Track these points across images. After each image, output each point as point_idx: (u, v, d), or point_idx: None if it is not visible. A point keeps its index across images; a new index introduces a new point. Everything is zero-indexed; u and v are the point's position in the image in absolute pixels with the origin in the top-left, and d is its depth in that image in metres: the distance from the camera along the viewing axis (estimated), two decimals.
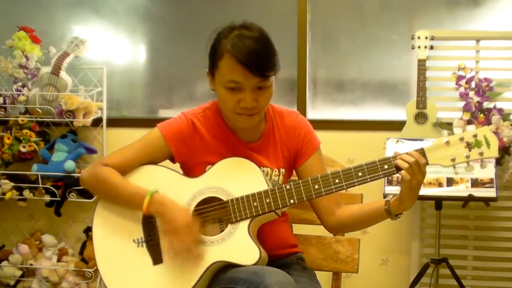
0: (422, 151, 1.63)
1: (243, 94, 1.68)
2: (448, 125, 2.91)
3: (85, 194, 3.19)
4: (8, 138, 3.19)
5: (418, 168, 1.61)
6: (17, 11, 3.51)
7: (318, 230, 1.96)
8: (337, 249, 2.02)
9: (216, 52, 1.69)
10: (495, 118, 2.81)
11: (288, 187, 1.70)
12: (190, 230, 1.65)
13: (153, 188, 1.72)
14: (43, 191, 3.22)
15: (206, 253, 1.68)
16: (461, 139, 1.62)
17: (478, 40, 3.02)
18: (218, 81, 1.71)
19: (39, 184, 3.21)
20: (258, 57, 1.65)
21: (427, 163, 1.62)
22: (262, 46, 1.67)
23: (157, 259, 1.72)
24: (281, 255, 1.86)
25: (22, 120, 3.19)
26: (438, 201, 2.77)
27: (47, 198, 3.24)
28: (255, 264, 1.63)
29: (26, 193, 3.25)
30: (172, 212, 1.67)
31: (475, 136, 1.61)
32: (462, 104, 2.94)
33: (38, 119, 3.21)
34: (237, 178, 1.73)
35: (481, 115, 2.85)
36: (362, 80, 3.28)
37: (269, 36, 1.70)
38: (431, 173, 2.58)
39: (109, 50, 3.49)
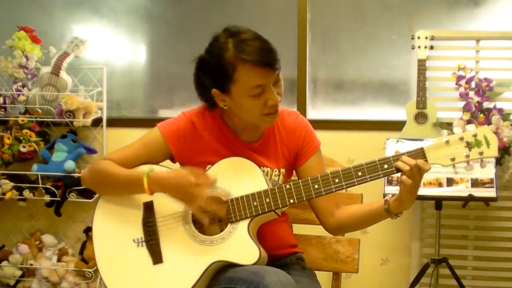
0: (421, 151, 1.63)
1: (268, 93, 1.67)
2: (448, 125, 2.91)
3: (85, 194, 3.19)
4: (8, 138, 3.19)
5: (418, 171, 1.61)
6: (17, 11, 3.51)
7: (318, 230, 1.96)
8: (337, 249, 2.02)
9: (224, 67, 1.66)
10: (495, 118, 2.81)
11: (287, 186, 1.70)
12: (201, 183, 1.65)
13: (146, 169, 1.72)
14: (43, 191, 3.22)
15: (206, 252, 1.68)
16: (461, 138, 1.62)
17: (478, 40, 3.02)
18: (239, 93, 1.67)
19: (39, 184, 3.21)
20: (269, 52, 1.66)
21: (428, 165, 1.62)
22: (265, 41, 1.68)
23: (157, 259, 1.72)
24: (281, 255, 1.86)
25: (22, 120, 3.19)
26: (438, 201, 2.77)
27: (47, 198, 3.24)
28: (254, 263, 1.64)
29: (26, 193, 3.25)
30: (174, 180, 1.67)
31: (475, 135, 1.61)
32: (462, 104, 2.94)
33: (38, 119, 3.21)
34: (237, 177, 1.73)
35: (481, 115, 2.85)
36: (362, 80, 3.28)
37: None
38: (431, 173, 2.57)
39: (109, 50, 3.49)
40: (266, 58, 1.64)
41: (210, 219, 1.67)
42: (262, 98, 1.67)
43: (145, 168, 1.74)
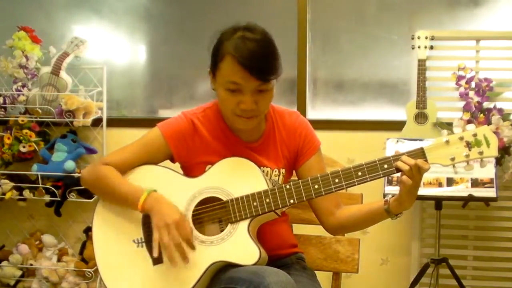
0: (421, 151, 1.63)
1: (243, 96, 1.67)
2: (448, 125, 2.91)
3: (85, 194, 3.19)
4: (8, 138, 3.19)
5: (417, 171, 1.61)
6: (17, 11, 3.51)
7: (318, 230, 1.96)
8: (337, 249, 2.02)
9: (218, 53, 1.69)
10: (495, 118, 2.81)
11: (287, 187, 1.70)
12: (182, 227, 1.64)
13: (151, 187, 1.72)
14: (43, 191, 3.22)
15: (206, 253, 1.68)
16: (461, 138, 1.62)
17: (478, 40, 3.02)
18: (219, 81, 1.71)
19: (39, 184, 3.21)
20: (259, 60, 1.64)
21: (427, 164, 1.62)
22: (264, 49, 1.66)
23: (157, 259, 1.72)
24: (281, 255, 1.86)
25: (22, 120, 3.19)
26: (438, 201, 2.77)
27: (47, 198, 3.24)
28: (254, 264, 1.63)
29: (26, 193, 3.25)
30: (165, 207, 1.68)
31: (474, 135, 1.61)
32: (462, 104, 2.94)
33: (38, 119, 3.21)
34: (237, 178, 1.73)
35: (481, 115, 2.85)
36: (362, 80, 3.28)
37: (272, 39, 1.69)
38: (431, 173, 2.57)
39: (109, 50, 3.49)
40: (251, 62, 1.63)
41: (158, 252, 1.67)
42: (237, 97, 1.68)
43: (150, 187, 1.73)
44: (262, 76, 1.65)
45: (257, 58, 1.64)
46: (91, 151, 3.30)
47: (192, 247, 1.66)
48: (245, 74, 1.64)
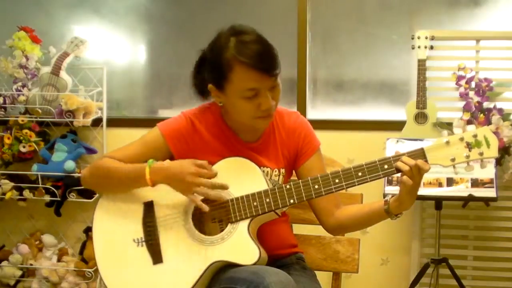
0: (421, 151, 1.63)
1: (262, 98, 1.68)
2: (448, 125, 2.91)
3: (85, 194, 3.19)
4: (8, 138, 3.19)
5: (418, 171, 1.61)
6: (17, 11, 3.51)
7: (318, 230, 1.96)
8: (337, 249, 2.02)
9: (221, 65, 1.67)
10: (495, 118, 2.81)
11: (288, 187, 1.70)
12: (203, 173, 1.65)
13: (149, 160, 1.72)
14: (43, 191, 3.22)
15: (206, 253, 1.68)
16: (461, 139, 1.62)
17: (478, 40, 3.02)
18: (232, 93, 1.69)
19: (39, 184, 3.21)
20: (268, 58, 1.66)
21: (427, 165, 1.62)
22: (266, 46, 1.67)
23: (157, 259, 1.72)
24: (281, 255, 1.86)
25: (22, 120, 3.20)
26: (438, 201, 2.77)
27: (47, 198, 3.24)
28: (254, 264, 1.64)
29: (26, 193, 3.25)
30: (174, 168, 1.68)
31: (475, 136, 1.62)
32: (462, 104, 2.94)
33: (38, 119, 3.21)
34: (237, 178, 1.73)
35: (481, 115, 2.86)
36: (362, 80, 3.28)
37: (262, 34, 1.70)
38: (431, 173, 2.58)
39: (109, 50, 3.49)
40: (263, 63, 1.64)
41: (210, 207, 1.67)
42: (256, 101, 1.68)
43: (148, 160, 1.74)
44: (273, 72, 1.66)
45: (265, 57, 1.65)
46: (91, 151, 3.30)
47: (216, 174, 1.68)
48: (260, 76, 1.64)
